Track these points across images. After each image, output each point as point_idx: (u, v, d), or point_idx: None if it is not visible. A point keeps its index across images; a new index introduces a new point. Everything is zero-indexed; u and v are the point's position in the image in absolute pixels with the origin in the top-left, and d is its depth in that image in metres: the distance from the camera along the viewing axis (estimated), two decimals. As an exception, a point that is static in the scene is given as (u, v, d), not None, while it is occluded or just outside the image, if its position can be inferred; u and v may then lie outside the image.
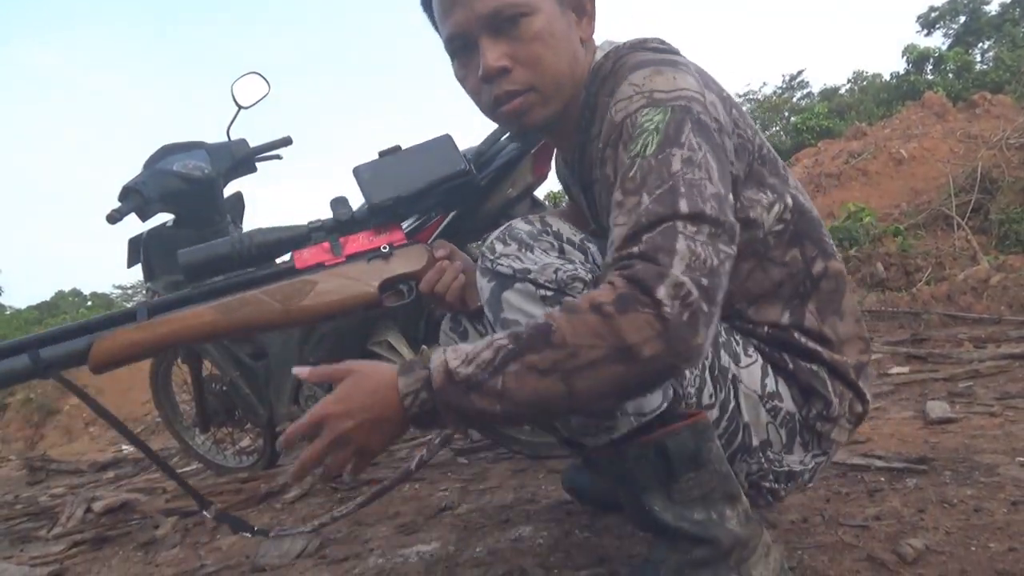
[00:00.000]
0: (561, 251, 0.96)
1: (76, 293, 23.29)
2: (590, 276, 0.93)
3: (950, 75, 14.48)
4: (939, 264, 5.55)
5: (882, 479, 1.54)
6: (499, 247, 0.96)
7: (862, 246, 6.09)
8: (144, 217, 2.17)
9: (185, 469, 3.09)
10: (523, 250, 0.94)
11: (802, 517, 1.37)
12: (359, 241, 1.27)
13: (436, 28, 1.05)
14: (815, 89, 21.34)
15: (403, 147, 1.28)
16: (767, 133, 17.92)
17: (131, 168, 3.49)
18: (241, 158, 2.39)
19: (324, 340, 2.02)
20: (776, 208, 1.00)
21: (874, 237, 6.22)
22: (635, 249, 0.80)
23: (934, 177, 8.59)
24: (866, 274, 5.59)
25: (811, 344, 1.03)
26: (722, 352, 0.99)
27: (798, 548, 1.23)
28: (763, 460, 1.04)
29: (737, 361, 1.00)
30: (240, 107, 2.36)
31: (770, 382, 1.02)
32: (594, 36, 1.05)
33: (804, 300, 1.03)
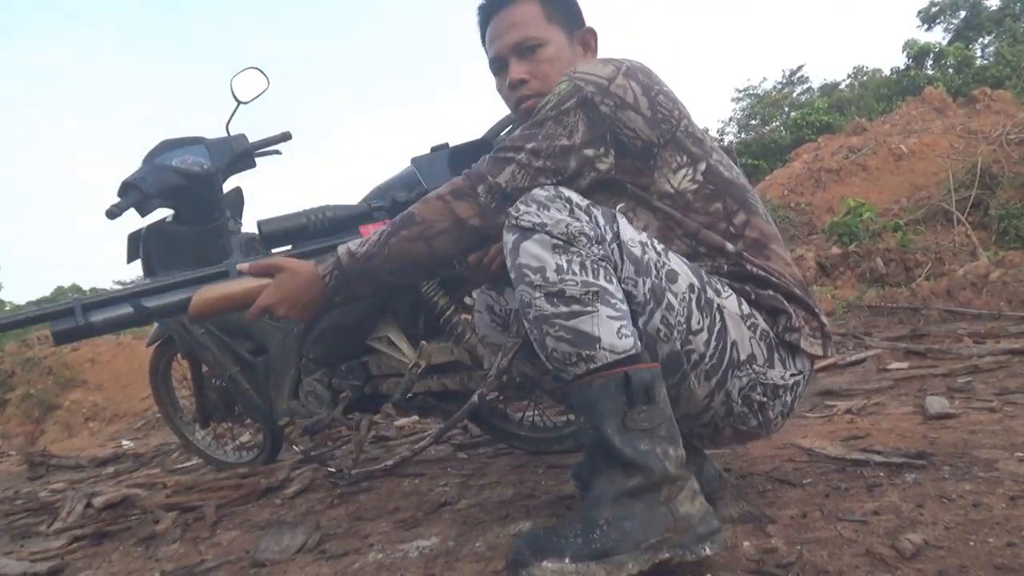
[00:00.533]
0: (571, 212, 1.15)
1: (76, 289, 23.25)
2: (593, 232, 1.14)
3: (950, 70, 14.46)
4: (938, 260, 5.56)
5: (881, 474, 1.54)
6: (522, 207, 1.17)
7: (862, 242, 6.09)
8: (143, 212, 2.17)
9: (185, 464, 3.10)
10: (541, 209, 1.15)
11: (801, 512, 1.37)
12: None
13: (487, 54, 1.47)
14: (815, 84, 21.29)
15: (450, 144, 1.61)
16: (767, 128, 17.91)
17: (130, 163, 3.49)
18: (240, 153, 2.39)
19: (323, 336, 2.02)
20: (685, 170, 1.26)
21: (874, 232, 6.22)
22: (488, 156, 1.24)
23: (934, 172, 8.59)
24: (865, 269, 5.59)
25: (760, 273, 1.25)
26: (707, 288, 1.21)
27: (797, 543, 1.23)
28: (751, 372, 1.24)
29: (719, 295, 1.22)
30: (239, 102, 2.36)
31: (745, 307, 1.24)
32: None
33: (734, 242, 1.27)
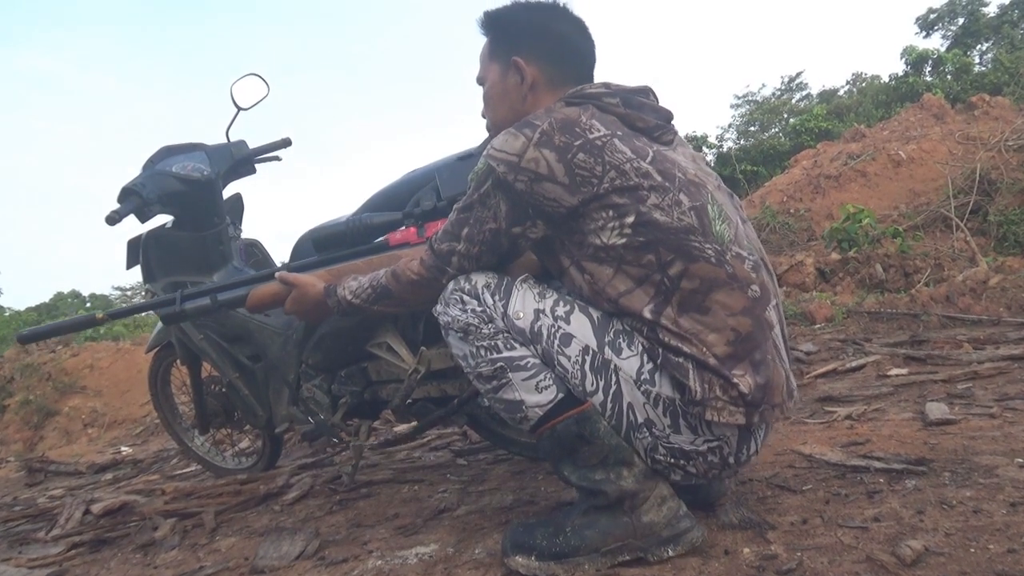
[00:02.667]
0: (463, 306, 1.32)
1: (75, 295, 23.24)
2: (478, 319, 1.30)
3: (948, 77, 14.49)
4: (938, 265, 5.55)
5: (881, 480, 1.54)
6: (438, 307, 1.38)
7: (861, 248, 6.08)
8: (143, 218, 2.17)
9: (184, 470, 3.09)
10: (445, 307, 1.36)
11: (801, 519, 1.37)
12: (437, 227, 1.60)
13: None
14: (814, 91, 21.40)
15: (473, 152, 1.67)
16: (766, 135, 17.94)
17: (130, 170, 3.48)
18: (240, 159, 2.39)
19: (323, 341, 2.01)
20: (612, 224, 1.23)
21: (873, 238, 6.20)
22: (435, 246, 1.37)
23: (933, 179, 8.60)
24: (865, 275, 5.59)
25: (672, 341, 1.23)
26: (606, 348, 1.26)
27: (797, 550, 1.23)
28: (650, 436, 1.27)
29: (619, 354, 1.26)
30: (239, 108, 2.36)
31: (646, 370, 1.25)
32: (552, 82, 1.42)
33: (668, 295, 1.24)
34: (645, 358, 1.25)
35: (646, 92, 1.40)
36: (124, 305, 1.99)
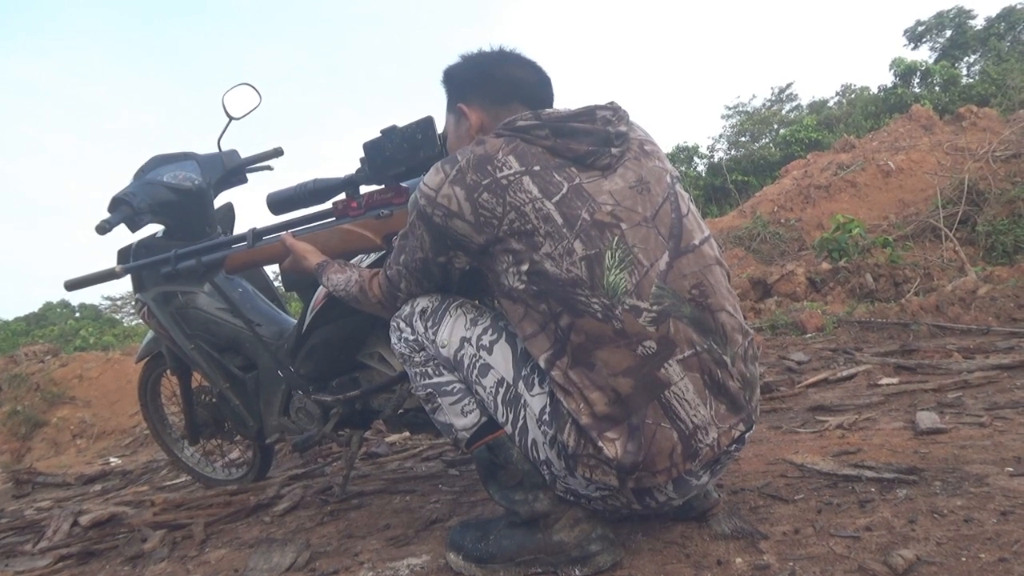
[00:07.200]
0: (400, 335, 1.45)
1: (64, 304, 23.08)
2: (409, 348, 1.42)
3: (937, 88, 14.65)
4: (927, 275, 5.59)
5: (872, 490, 1.54)
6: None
7: (851, 257, 6.12)
8: (134, 228, 2.16)
9: (174, 481, 3.07)
10: (390, 333, 1.49)
11: (793, 528, 1.37)
12: (374, 198, 1.74)
13: None
14: (804, 102, 21.53)
15: (398, 126, 1.67)
16: (757, 145, 18.05)
17: (121, 179, 3.47)
18: (232, 169, 2.39)
19: (314, 351, 2.01)
20: (511, 270, 1.25)
21: (863, 248, 6.25)
22: (387, 271, 1.46)
23: (922, 189, 8.68)
24: (855, 285, 5.62)
25: (558, 393, 1.24)
26: (520, 382, 1.30)
27: (789, 559, 1.23)
28: (549, 474, 1.31)
29: (530, 390, 1.30)
30: (231, 118, 2.36)
31: (547, 412, 1.28)
32: (499, 122, 1.38)
33: (563, 345, 1.23)
34: (549, 399, 1.27)
35: (590, 114, 1.31)
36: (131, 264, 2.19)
